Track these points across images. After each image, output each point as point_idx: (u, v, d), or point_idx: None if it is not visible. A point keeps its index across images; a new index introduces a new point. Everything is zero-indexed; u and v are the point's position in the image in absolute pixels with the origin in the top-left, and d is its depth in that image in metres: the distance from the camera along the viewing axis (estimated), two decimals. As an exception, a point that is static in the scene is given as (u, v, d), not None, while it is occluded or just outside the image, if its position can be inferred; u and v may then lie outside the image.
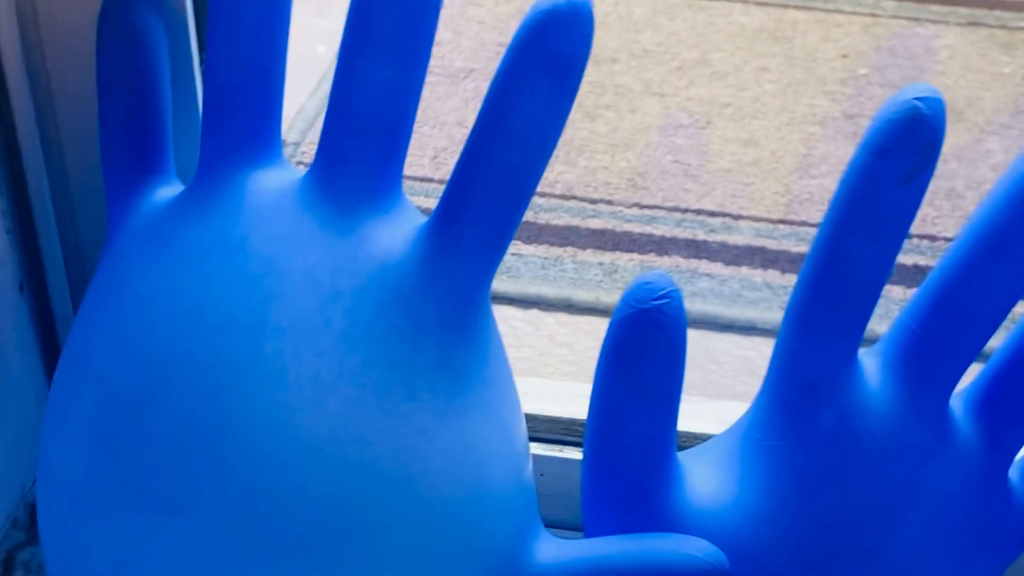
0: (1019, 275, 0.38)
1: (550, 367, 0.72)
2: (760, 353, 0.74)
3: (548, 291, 0.77)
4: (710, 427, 0.50)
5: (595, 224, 0.83)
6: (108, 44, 0.41)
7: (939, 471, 0.40)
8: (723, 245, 0.82)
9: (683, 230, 0.83)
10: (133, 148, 0.41)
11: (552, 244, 0.82)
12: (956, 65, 1.08)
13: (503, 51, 0.36)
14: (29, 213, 0.44)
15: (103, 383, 0.38)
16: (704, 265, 0.80)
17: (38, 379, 0.45)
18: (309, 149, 0.92)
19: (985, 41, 1.11)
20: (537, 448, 0.51)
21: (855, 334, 0.38)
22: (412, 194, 0.38)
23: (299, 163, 0.90)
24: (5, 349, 0.43)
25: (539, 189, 0.88)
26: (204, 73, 0.39)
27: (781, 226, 0.84)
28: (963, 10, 1.15)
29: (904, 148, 0.36)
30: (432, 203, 0.38)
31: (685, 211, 0.85)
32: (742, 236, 0.83)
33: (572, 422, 0.52)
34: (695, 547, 0.37)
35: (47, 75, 0.43)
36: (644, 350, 0.38)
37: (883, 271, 0.38)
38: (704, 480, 0.40)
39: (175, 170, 0.42)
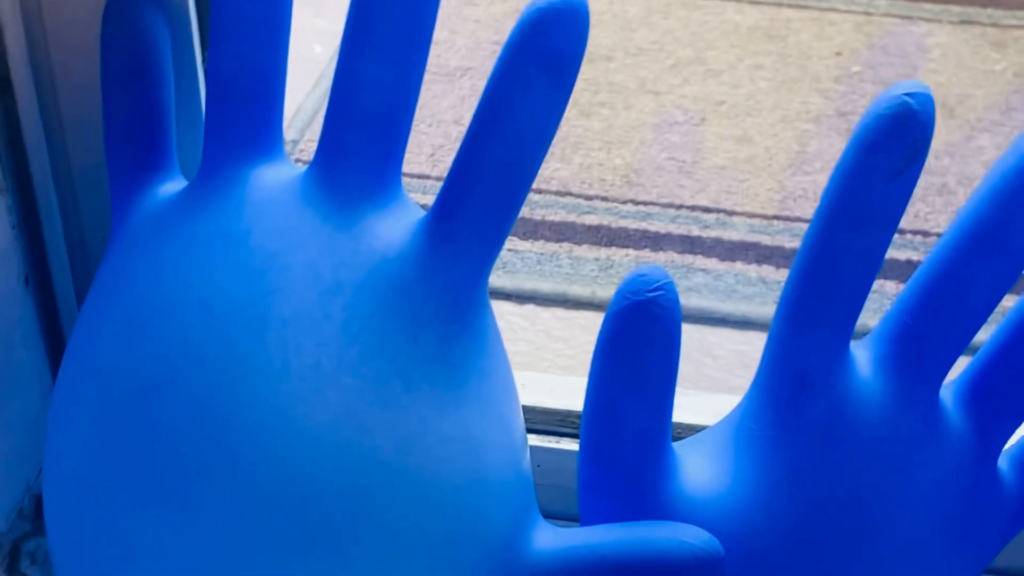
0: (1007, 267, 0.39)
1: (546, 361, 0.72)
2: (754, 347, 0.74)
3: (544, 286, 0.78)
4: (705, 420, 0.51)
5: (591, 220, 0.84)
6: (112, 40, 0.41)
7: (930, 460, 0.40)
8: (718, 241, 0.83)
9: (678, 226, 0.84)
10: (137, 144, 0.42)
11: (548, 240, 0.82)
12: (948, 63, 1.08)
13: (499, 50, 0.36)
14: (34, 208, 0.44)
15: (109, 375, 0.39)
16: (699, 261, 0.81)
17: (43, 372, 0.46)
18: (308, 147, 0.92)
19: (977, 39, 1.12)
20: (534, 439, 0.52)
21: (846, 325, 0.39)
22: (410, 191, 0.39)
23: (298, 161, 0.90)
24: (10, 342, 0.43)
25: (535, 186, 0.89)
26: (207, 69, 0.40)
27: (775, 222, 0.85)
28: (955, 8, 1.15)
29: (894, 143, 0.37)
30: (430, 200, 0.39)
31: (680, 207, 0.86)
32: (736, 232, 0.84)
33: (568, 414, 0.53)
34: (691, 534, 0.38)
35: (51, 70, 0.43)
36: (639, 342, 0.38)
37: (874, 264, 0.38)
38: (699, 470, 0.40)
39: (178, 166, 0.43)
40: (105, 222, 0.46)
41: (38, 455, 0.46)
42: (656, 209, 0.86)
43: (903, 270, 0.82)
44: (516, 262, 0.80)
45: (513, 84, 0.36)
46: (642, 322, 0.38)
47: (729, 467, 0.40)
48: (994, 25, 1.14)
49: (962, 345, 0.40)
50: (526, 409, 0.46)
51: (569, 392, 0.54)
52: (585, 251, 0.81)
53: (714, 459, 0.41)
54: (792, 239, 0.83)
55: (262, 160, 0.40)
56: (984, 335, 0.42)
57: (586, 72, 1.00)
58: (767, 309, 0.77)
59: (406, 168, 0.68)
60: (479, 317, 0.39)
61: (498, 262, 0.81)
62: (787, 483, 0.39)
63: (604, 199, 0.87)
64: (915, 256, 0.82)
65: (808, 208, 0.86)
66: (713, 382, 0.71)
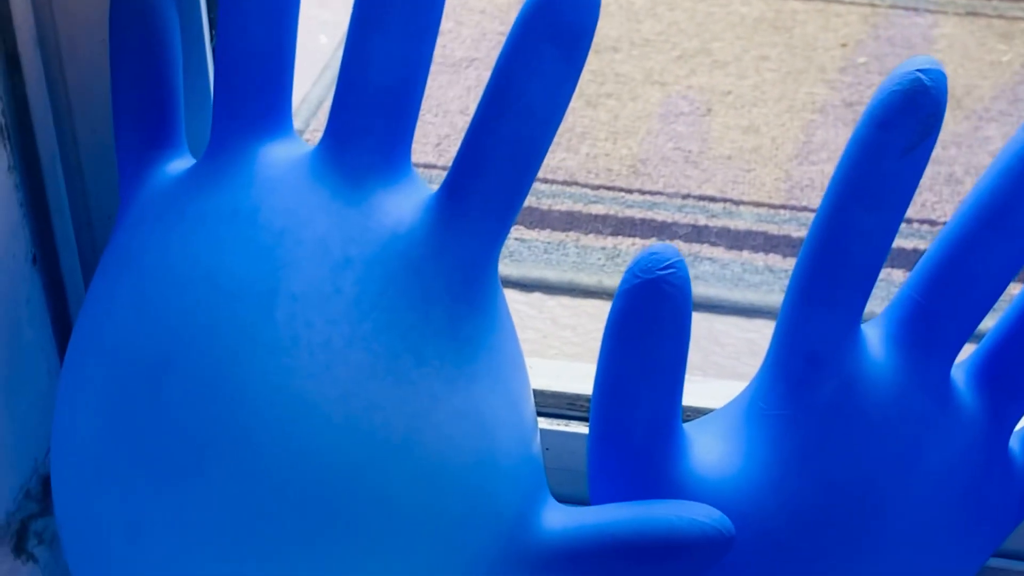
0: (1019, 245, 0.39)
1: (553, 349, 0.72)
2: (762, 335, 0.74)
3: (551, 275, 0.78)
4: (713, 405, 0.51)
5: (597, 209, 0.84)
6: (121, 17, 0.41)
7: (940, 440, 0.40)
8: (724, 230, 0.83)
9: (685, 215, 0.84)
10: (145, 121, 0.41)
11: (555, 229, 0.82)
12: (955, 54, 1.08)
13: (503, 40, 0.36)
14: (41, 186, 0.44)
15: (117, 352, 0.39)
16: (706, 249, 0.81)
17: (50, 352, 0.45)
18: (313, 137, 0.92)
19: (983, 30, 1.12)
20: (542, 422, 0.52)
21: (858, 304, 0.39)
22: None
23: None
24: (18, 322, 0.43)
25: (541, 175, 0.89)
26: (216, 47, 0.40)
27: (782, 211, 0.84)
28: (961, 0, 1.15)
29: (906, 119, 0.36)
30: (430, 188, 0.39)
31: (686, 196, 0.86)
32: (743, 221, 0.84)
33: (577, 397, 0.52)
34: (702, 513, 0.38)
35: (59, 48, 0.43)
36: (649, 320, 0.38)
37: (885, 241, 0.38)
38: (709, 450, 0.40)
39: (186, 143, 0.43)
40: (112, 201, 0.46)
41: (45, 435, 0.46)
42: (663, 199, 0.86)
43: (910, 259, 0.82)
44: (523, 251, 0.79)
45: (524, 59, 0.36)
46: (653, 301, 0.38)
47: (740, 447, 0.40)
48: (1000, 16, 1.14)
49: (973, 324, 0.40)
50: (535, 392, 0.46)
51: (577, 376, 0.54)
52: (592, 240, 0.81)
53: (724, 439, 0.41)
54: (798, 228, 0.83)
55: (271, 137, 0.40)
56: (991, 320, 0.42)
57: (592, 63, 1.00)
58: (774, 297, 0.77)
59: (412, 158, 0.68)
60: (490, 295, 0.38)
61: (505, 251, 0.81)
62: (798, 462, 0.39)
63: (611, 189, 0.87)
64: (922, 245, 0.82)
65: (814, 198, 0.86)
66: (721, 369, 0.71)
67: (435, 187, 0.39)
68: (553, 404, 0.52)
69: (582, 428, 0.52)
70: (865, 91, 1.01)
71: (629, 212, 0.85)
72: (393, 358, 0.37)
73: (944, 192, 0.86)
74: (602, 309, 0.75)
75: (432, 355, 0.37)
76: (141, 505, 0.38)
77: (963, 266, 0.39)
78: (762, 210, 0.85)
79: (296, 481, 0.36)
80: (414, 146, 0.85)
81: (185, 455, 0.37)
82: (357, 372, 0.36)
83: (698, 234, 0.82)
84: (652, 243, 0.81)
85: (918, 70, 0.36)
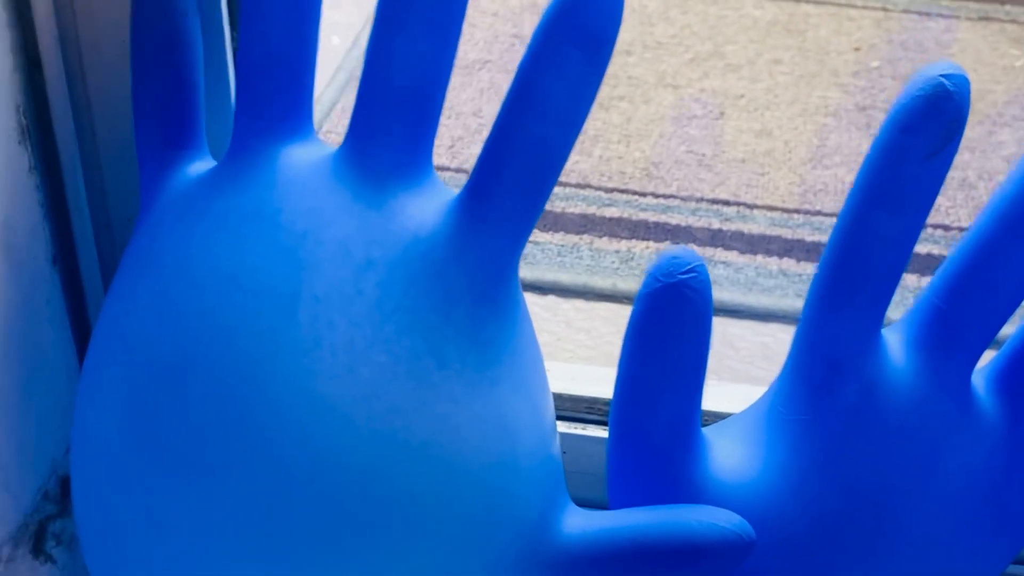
0: (1041, 251, 0.39)
1: (568, 352, 0.72)
2: (776, 339, 0.74)
3: (565, 278, 0.78)
4: (728, 409, 0.50)
5: (611, 213, 0.84)
6: (142, 19, 0.41)
7: (961, 445, 0.40)
8: (739, 234, 0.83)
9: (698, 219, 0.84)
10: (166, 123, 0.42)
11: (569, 232, 0.82)
12: (968, 59, 1.08)
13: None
14: (61, 187, 0.44)
15: (138, 352, 0.39)
16: (720, 253, 0.81)
17: (68, 352, 0.45)
18: (326, 138, 0.92)
19: (996, 35, 1.12)
20: (560, 426, 0.52)
21: (879, 309, 0.39)
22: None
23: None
24: (38, 322, 0.43)
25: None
26: (238, 49, 0.40)
27: (795, 215, 0.84)
28: (974, 5, 1.15)
29: (929, 123, 0.36)
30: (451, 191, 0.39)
31: (700, 200, 0.86)
32: (757, 225, 0.84)
33: (595, 400, 0.52)
34: (722, 518, 0.38)
35: (80, 50, 0.43)
36: (671, 323, 0.38)
37: (907, 246, 0.38)
38: (729, 454, 0.40)
39: (207, 145, 0.43)
40: (131, 202, 0.46)
41: (63, 436, 0.46)
42: (676, 202, 0.86)
43: (923, 263, 0.81)
44: (537, 254, 0.79)
45: (548, 62, 0.36)
46: (674, 304, 0.38)
47: (760, 451, 0.40)
48: (1013, 21, 1.14)
49: (994, 330, 0.40)
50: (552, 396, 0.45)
51: (594, 380, 0.54)
52: (606, 243, 0.81)
53: (744, 443, 0.41)
54: (813, 232, 0.83)
55: (292, 139, 0.40)
56: (1011, 327, 0.42)
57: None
58: (788, 301, 0.77)
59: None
60: (511, 298, 0.38)
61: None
62: (818, 467, 0.39)
63: (624, 192, 0.87)
64: (936, 250, 0.82)
65: (828, 202, 0.86)
66: (735, 373, 0.71)
67: (451, 189, 0.39)
68: (569, 407, 0.52)
69: (599, 432, 0.52)
70: (878, 95, 1.01)
71: (643, 215, 0.84)
72: (415, 360, 0.37)
73: (957, 197, 0.86)
74: (616, 312, 0.75)
75: (454, 358, 0.37)
76: (161, 505, 0.38)
77: (984, 273, 0.39)
78: (776, 214, 0.85)
79: (317, 482, 0.36)
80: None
81: (206, 455, 0.37)
82: (379, 374, 0.36)
83: (712, 238, 0.82)
84: (669, 247, 0.81)
85: (941, 75, 0.36)
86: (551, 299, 0.76)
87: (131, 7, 0.41)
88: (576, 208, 0.84)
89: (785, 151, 0.92)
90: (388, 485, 0.36)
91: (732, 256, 0.81)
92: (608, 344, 0.71)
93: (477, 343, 0.37)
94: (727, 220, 0.84)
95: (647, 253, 0.80)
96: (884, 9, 1.14)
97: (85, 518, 0.41)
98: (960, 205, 0.87)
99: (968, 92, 0.37)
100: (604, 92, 0.98)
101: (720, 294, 0.76)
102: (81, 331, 0.46)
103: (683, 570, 0.38)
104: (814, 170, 0.90)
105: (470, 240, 0.37)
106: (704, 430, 0.40)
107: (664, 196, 0.86)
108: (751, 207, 0.85)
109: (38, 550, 0.45)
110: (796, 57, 1.06)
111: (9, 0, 0.40)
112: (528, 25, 1.05)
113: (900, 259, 0.38)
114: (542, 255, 0.78)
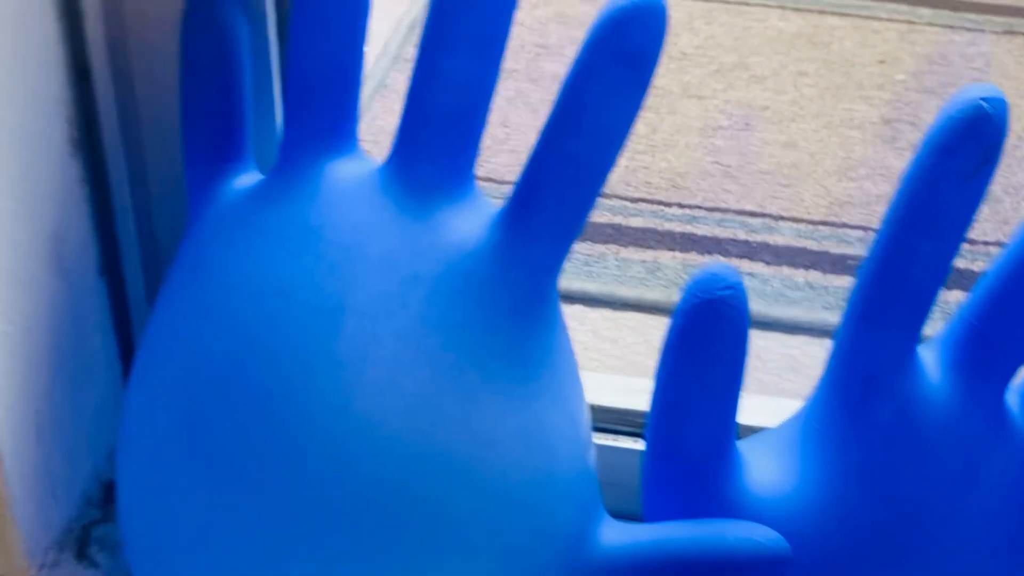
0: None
1: (595, 361, 0.72)
2: (803, 351, 0.74)
3: (592, 287, 0.78)
4: (754, 421, 0.51)
5: (637, 223, 0.84)
6: (192, 34, 0.42)
7: (995, 462, 0.40)
8: (765, 245, 0.83)
9: (725, 230, 0.84)
10: (214, 136, 0.42)
11: (595, 241, 0.82)
12: (993, 72, 1.08)
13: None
14: (108, 198, 0.45)
15: (187, 361, 0.39)
16: (746, 265, 0.81)
17: (113, 361, 0.46)
18: (353, 146, 0.93)
19: (1020, 49, 1.12)
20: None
21: (915, 327, 0.39)
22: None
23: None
24: (85, 331, 0.44)
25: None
26: (286, 65, 0.40)
27: (821, 227, 0.85)
28: (999, 19, 1.15)
29: (967, 146, 0.37)
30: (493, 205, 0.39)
31: (726, 211, 0.86)
32: (783, 237, 0.84)
33: (626, 412, 0.53)
34: (758, 533, 0.38)
35: (129, 63, 0.44)
36: (709, 339, 0.38)
37: (943, 266, 0.39)
38: (764, 469, 0.41)
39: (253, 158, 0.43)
40: (175, 214, 0.47)
41: (106, 442, 0.46)
42: (702, 213, 0.86)
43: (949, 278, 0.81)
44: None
45: (594, 80, 0.36)
46: (713, 321, 0.38)
47: (795, 467, 0.41)
48: (1038, 35, 1.14)
49: (1030, 349, 0.40)
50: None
51: (623, 390, 0.54)
52: (632, 253, 0.81)
53: (779, 459, 0.41)
54: (839, 245, 0.83)
55: (339, 153, 0.40)
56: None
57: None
58: (815, 314, 0.77)
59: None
60: (551, 311, 0.39)
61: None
62: (854, 484, 0.40)
63: (650, 202, 0.87)
64: (961, 264, 0.82)
65: (855, 214, 0.86)
66: (762, 385, 0.71)
67: (493, 203, 0.39)
68: (602, 419, 0.53)
69: (630, 443, 0.52)
70: (904, 108, 1.01)
71: (669, 226, 0.85)
72: (459, 375, 0.37)
73: (983, 211, 0.86)
74: (643, 322, 0.76)
75: (497, 372, 0.37)
76: (206, 513, 0.39)
77: (1020, 292, 0.39)
78: (802, 226, 0.85)
79: (359, 495, 0.37)
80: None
81: (251, 466, 0.38)
82: (423, 388, 0.37)
83: (739, 249, 0.83)
84: (708, 263, 0.82)
85: (980, 98, 0.37)
86: (578, 308, 0.76)
87: (181, 22, 0.42)
88: (602, 218, 0.84)
89: (811, 163, 0.92)
90: (430, 499, 0.37)
91: (759, 268, 0.81)
92: (635, 354, 0.72)
93: (519, 357, 0.38)
94: (753, 232, 0.84)
95: (673, 263, 0.81)
96: (909, 22, 1.14)
97: (130, 523, 0.41)
98: (985, 219, 0.87)
99: (1006, 114, 0.37)
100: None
101: (746, 306, 0.76)
102: (124, 340, 0.47)
103: (720, 584, 0.38)
104: (840, 182, 0.90)
105: (514, 255, 0.38)
106: (738, 444, 0.41)
107: (690, 207, 0.86)
108: (777, 219, 0.85)
109: (82, 555, 0.45)
110: (821, 69, 1.06)
111: (61, 14, 0.40)
112: (554, 35, 1.05)
113: (937, 278, 0.39)
114: (568, 264, 0.78)
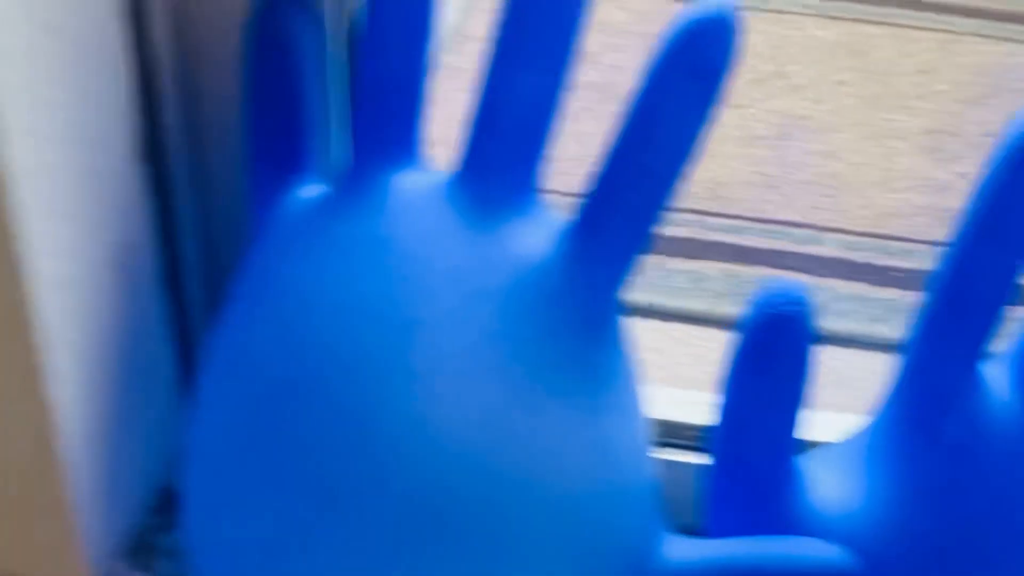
0: None
1: (640, 373, 0.72)
2: (848, 364, 0.74)
3: (636, 298, 0.78)
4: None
5: (680, 232, 0.84)
6: (257, 45, 0.42)
7: (1064, 481, 0.40)
8: (809, 256, 0.83)
9: (768, 240, 0.84)
10: (279, 147, 0.42)
11: (639, 252, 0.82)
12: (1033, 83, 1.08)
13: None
14: (171, 208, 0.45)
15: (257, 371, 0.39)
16: (791, 276, 0.81)
17: (172, 370, 0.46)
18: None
19: (1061, 59, 1.11)
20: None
21: (983, 344, 0.39)
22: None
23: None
24: (147, 341, 0.44)
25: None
26: (355, 78, 0.40)
27: (866, 239, 0.84)
28: (1039, 29, 1.15)
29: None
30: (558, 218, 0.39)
31: (768, 221, 0.86)
32: (827, 248, 0.84)
33: (677, 426, 0.52)
34: (825, 550, 0.38)
35: (194, 73, 0.44)
36: (776, 355, 0.38)
37: (1010, 282, 0.38)
38: (828, 485, 0.41)
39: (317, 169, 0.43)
40: (235, 225, 0.47)
41: (163, 450, 0.46)
42: (745, 223, 0.85)
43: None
44: (607, 273, 0.79)
45: (665, 94, 0.36)
46: (781, 336, 0.38)
47: (860, 483, 0.40)
48: (1078, 45, 1.13)
49: (1099, 367, 0.40)
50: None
51: (673, 403, 0.54)
52: (676, 263, 0.81)
53: (844, 475, 0.41)
54: (884, 257, 0.83)
55: (406, 165, 0.40)
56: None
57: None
58: (862, 327, 0.76)
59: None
60: (616, 324, 0.39)
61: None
62: (921, 502, 0.39)
63: (692, 212, 0.87)
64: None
65: (899, 226, 0.86)
66: (805, 399, 0.70)
67: (558, 216, 0.39)
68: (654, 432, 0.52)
69: (682, 456, 0.52)
70: (946, 119, 1.00)
71: (712, 235, 0.85)
72: (527, 389, 0.37)
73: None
74: (688, 333, 0.75)
75: (564, 386, 0.37)
76: (276, 525, 0.39)
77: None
78: (847, 237, 0.85)
79: (427, 509, 0.37)
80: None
81: (319, 478, 0.38)
82: (492, 402, 0.37)
83: (782, 260, 0.82)
84: (736, 267, 0.81)
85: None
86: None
87: (245, 31, 0.42)
88: (645, 228, 0.84)
89: (853, 173, 0.92)
90: (498, 513, 0.37)
91: (804, 279, 0.81)
92: (679, 365, 0.71)
93: (586, 371, 0.38)
94: (797, 242, 0.84)
95: (718, 274, 0.80)
96: (948, 31, 1.13)
97: (198, 535, 0.41)
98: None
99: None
100: (670, 111, 0.98)
101: (791, 317, 0.75)
102: (182, 348, 0.47)
103: (787, 600, 0.38)
104: (883, 194, 0.90)
105: (581, 269, 0.38)
106: (801, 459, 0.41)
107: (732, 216, 0.86)
108: (821, 229, 0.85)
109: (143, 563, 0.45)
110: (860, 78, 1.05)
111: (127, 23, 0.41)
112: (596, 44, 1.05)
113: (1005, 293, 0.38)
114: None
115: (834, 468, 0.41)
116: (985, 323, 0.39)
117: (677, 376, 0.73)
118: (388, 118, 0.40)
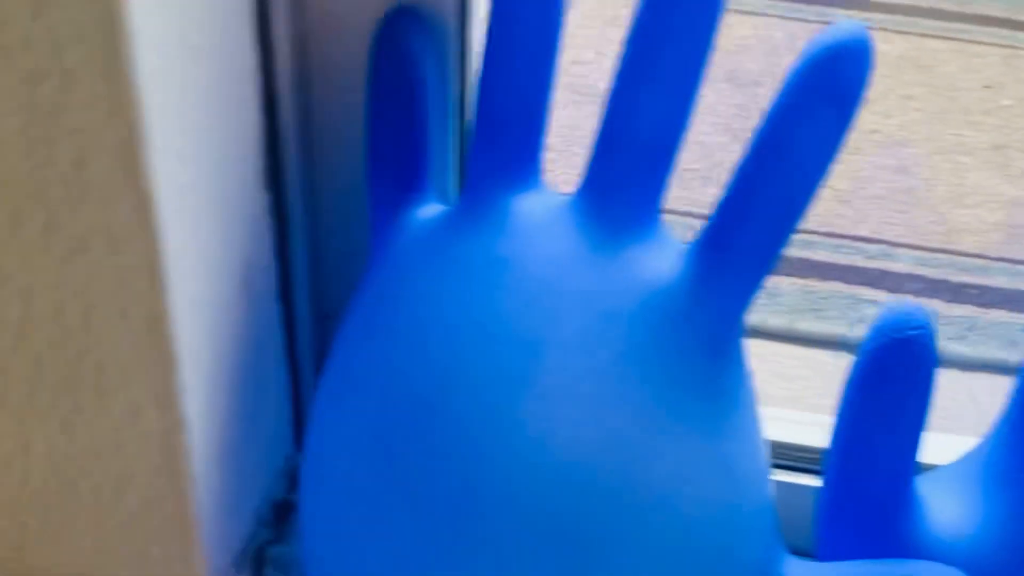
0: None
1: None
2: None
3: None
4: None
5: (754, 247, 0.84)
6: (380, 66, 0.43)
7: None
8: (883, 272, 0.83)
9: (842, 256, 0.84)
10: (399, 167, 0.43)
11: (712, 266, 0.82)
12: (1098, 98, 1.07)
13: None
14: (286, 225, 0.45)
15: (380, 391, 0.40)
16: (866, 292, 0.81)
17: (284, 384, 0.47)
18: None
19: (1125, 74, 1.11)
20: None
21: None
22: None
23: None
24: (264, 354, 0.45)
25: (694, 210, 0.89)
26: (477, 98, 0.41)
27: (939, 255, 0.84)
28: (1102, 43, 1.14)
29: None
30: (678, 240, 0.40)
31: (841, 236, 0.86)
32: (901, 264, 0.84)
33: (777, 445, 0.52)
34: (945, 574, 0.38)
35: (313, 94, 0.44)
36: (898, 380, 0.38)
37: None
38: (943, 509, 0.40)
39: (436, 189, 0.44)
40: (344, 244, 0.47)
41: (275, 462, 0.47)
42: (816, 238, 0.86)
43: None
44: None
45: (800, 118, 0.36)
46: (903, 360, 0.38)
47: (977, 507, 0.40)
48: None
49: None
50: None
51: (778, 423, 0.54)
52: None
53: (959, 498, 0.41)
54: (957, 273, 0.83)
55: (527, 186, 0.41)
56: None
57: (736, 97, 1.00)
58: (939, 343, 0.76)
59: (564, 190, 0.68)
60: (740, 346, 0.39)
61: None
62: (1041, 525, 0.39)
63: (765, 227, 0.87)
64: None
65: (972, 242, 0.86)
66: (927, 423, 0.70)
67: (677, 238, 0.39)
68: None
69: (785, 477, 0.52)
70: (1013, 135, 1.00)
71: (786, 250, 0.85)
72: (655, 412, 0.37)
73: None
74: (765, 349, 0.75)
75: (691, 409, 0.38)
76: (397, 542, 0.39)
77: None
78: (920, 253, 0.85)
79: (554, 530, 0.37)
80: (558, 176, 0.86)
81: (444, 498, 0.38)
82: (621, 424, 0.37)
83: (857, 276, 0.82)
84: (811, 283, 0.81)
85: None
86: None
87: (370, 53, 0.43)
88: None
89: (924, 189, 0.92)
90: (622, 535, 0.37)
91: (879, 295, 0.81)
92: (760, 381, 0.71)
93: (711, 394, 0.38)
94: (870, 258, 0.84)
95: (793, 289, 0.80)
96: (1011, 47, 1.13)
97: (314, 547, 0.42)
98: None
99: None
100: (737, 124, 0.99)
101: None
102: (292, 362, 0.48)
103: (906, 624, 0.38)
104: (955, 209, 0.90)
105: (708, 292, 0.38)
106: (916, 482, 0.41)
107: (804, 231, 0.86)
108: (894, 245, 0.85)
109: (258, 575, 0.46)
110: (927, 93, 1.05)
111: (256, 43, 0.41)
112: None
113: None
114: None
115: (950, 491, 0.41)
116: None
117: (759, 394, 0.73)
118: (510, 139, 0.41)
